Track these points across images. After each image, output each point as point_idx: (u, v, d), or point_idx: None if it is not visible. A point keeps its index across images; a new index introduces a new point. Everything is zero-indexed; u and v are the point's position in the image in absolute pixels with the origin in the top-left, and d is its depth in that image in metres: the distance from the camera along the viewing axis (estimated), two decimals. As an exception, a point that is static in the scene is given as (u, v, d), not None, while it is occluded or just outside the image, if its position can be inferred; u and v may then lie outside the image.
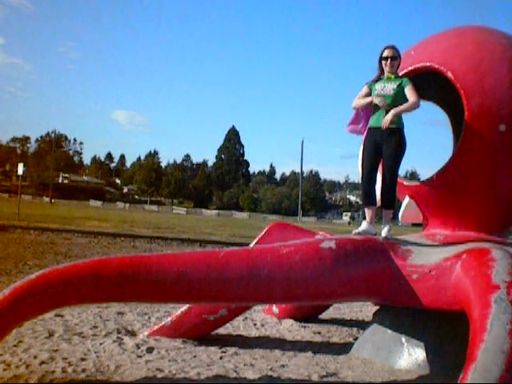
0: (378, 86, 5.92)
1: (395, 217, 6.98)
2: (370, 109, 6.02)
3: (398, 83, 5.81)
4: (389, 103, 5.77)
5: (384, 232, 5.78)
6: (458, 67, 5.84)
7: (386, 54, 5.92)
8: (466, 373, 3.40)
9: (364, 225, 5.92)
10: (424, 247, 5.70)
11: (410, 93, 5.73)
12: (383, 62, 5.94)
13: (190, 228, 33.24)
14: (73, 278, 4.80)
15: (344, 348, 6.54)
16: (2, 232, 21.06)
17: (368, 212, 6.00)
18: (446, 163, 5.92)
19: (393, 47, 5.94)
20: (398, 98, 5.76)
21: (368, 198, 5.97)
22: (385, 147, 5.79)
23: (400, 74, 6.01)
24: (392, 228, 5.88)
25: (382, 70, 5.98)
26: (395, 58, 5.90)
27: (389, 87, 5.84)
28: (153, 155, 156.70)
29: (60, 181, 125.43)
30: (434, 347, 5.60)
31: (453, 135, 7.64)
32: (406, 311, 5.80)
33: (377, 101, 5.85)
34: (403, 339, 5.80)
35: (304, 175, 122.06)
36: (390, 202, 5.93)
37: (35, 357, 5.27)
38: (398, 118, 5.75)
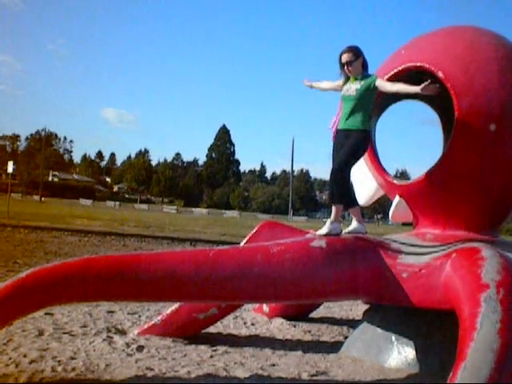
0: (344, 88, 5.88)
1: (385, 216, 7.01)
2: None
3: (362, 83, 5.74)
4: (352, 105, 5.72)
5: (348, 228, 5.79)
6: (448, 67, 5.85)
7: (343, 60, 5.84)
8: (455, 371, 3.41)
9: (327, 224, 5.78)
10: (414, 246, 5.71)
11: (386, 84, 5.72)
12: (344, 68, 5.88)
13: (180, 227, 33.19)
14: (63, 276, 4.79)
15: (334, 347, 6.55)
16: (-8, 230, 20.98)
17: (334, 209, 5.86)
18: (436, 162, 5.93)
19: (349, 50, 5.84)
20: (361, 97, 5.71)
21: (333, 195, 5.91)
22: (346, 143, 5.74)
23: (391, 74, 6.01)
24: (361, 225, 5.85)
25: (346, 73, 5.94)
26: (352, 62, 5.78)
27: (352, 88, 5.78)
28: (143, 154, 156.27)
29: (50, 179, 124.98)
30: (424, 346, 5.62)
31: (443, 135, 7.66)
32: (395, 310, 5.82)
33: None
34: (393, 338, 5.82)
35: (294, 174, 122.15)
36: (347, 200, 5.85)
37: (25, 355, 5.25)
38: (363, 121, 5.69)
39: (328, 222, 5.75)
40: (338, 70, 5.97)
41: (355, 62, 5.79)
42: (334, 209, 5.85)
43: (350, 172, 5.77)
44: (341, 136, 5.83)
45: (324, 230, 5.67)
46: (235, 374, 5.23)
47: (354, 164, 5.79)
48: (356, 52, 5.82)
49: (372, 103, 5.82)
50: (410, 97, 7.51)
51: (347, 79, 5.91)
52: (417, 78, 6.62)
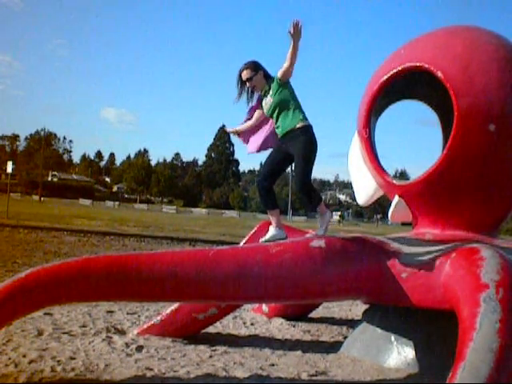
0: (263, 103, 5.80)
1: (385, 216, 7.01)
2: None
3: (272, 89, 5.67)
4: (277, 112, 5.63)
5: (265, 237, 5.65)
6: (447, 67, 5.85)
7: (243, 77, 5.75)
8: (454, 372, 3.41)
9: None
10: (413, 246, 5.71)
11: (283, 66, 5.54)
12: (245, 85, 5.80)
13: (179, 226, 33.20)
14: (62, 276, 4.79)
15: (333, 347, 6.56)
16: (-9, 230, 20.97)
17: (270, 216, 5.75)
18: (436, 163, 5.93)
19: (246, 67, 5.74)
20: (279, 103, 5.61)
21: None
22: (291, 148, 5.59)
23: (391, 74, 6.00)
24: (280, 230, 5.66)
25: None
26: (252, 77, 5.71)
27: (268, 99, 5.70)
28: (142, 154, 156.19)
29: (49, 179, 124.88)
30: (423, 346, 5.62)
31: (442, 135, 7.66)
32: (395, 310, 5.82)
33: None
34: (392, 338, 5.82)
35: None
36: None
37: (24, 355, 5.25)
38: (295, 117, 5.56)
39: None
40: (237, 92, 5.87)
41: (256, 76, 5.71)
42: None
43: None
44: (284, 139, 5.66)
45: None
46: (235, 374, 5.23)
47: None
48: (254, 67, 5.73)
49: (293, 95, 5.66)
50: (408, 97, 7.52)
51: (263, 98, 5.80)
52: (417, 78, 6.64)
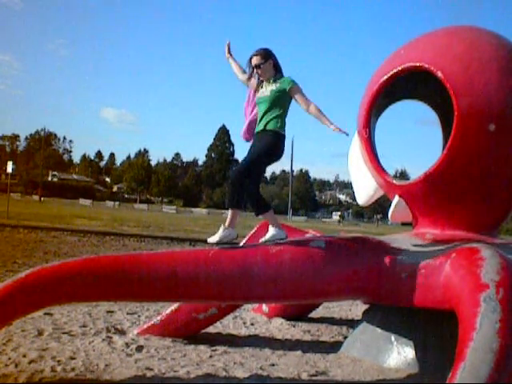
0: (260, 91, 5.70)
1: (385, 216, 7.00)
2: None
3: (277, 85, 5.55)
4: (266, 107, 5.52)
5: (266, 237, 5.50)
6: (447, 67, 5.85)
7: (252, 63, 5.65)
8: (454, 372, 3.41)
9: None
10: (413, 246, 5.72)
11: (301, 98, 5.43)
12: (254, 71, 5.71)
13: (179, 227, 33.21)
14: (62, 276, 4.80)
15: (333, 347, 6.56)
16: (-9, 230, 20.97)
17: (229, 214, 5.49)
18: (436, 162, 5.93)
19: (257, 53, 5.64)
20: (275, 99, 5.50)
21: (229, 199, 5.47)
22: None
23: (391, 74, 5.99)
24: (280, 230, 5.49)
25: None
26: (260, 64, 5.59)
27: (267, 90, 5.59)
28: (142, 154, 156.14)
29: (49, 179, 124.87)
30: (424, 346, 5.62)
31: (442, 135, 7.66)
32: (395, 310, 5.82)
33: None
34: (392, 338, 5.82)
35: (294, 174, 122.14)
36: (256, 207, 5.48)
37: (24, 355, 5.25)
38: (275, 122, 5.44)
39: (221, 227, 5.35)
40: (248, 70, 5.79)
41: (264, 64, 5.60)
42: (230, 213, 5.45)
43: (256, 175, 5.45)
44: (256, 138, 5.60)
45: (215, 238, 5.31)
46: (235, 374, 5.23)
47: (261, 166, 5.49)
48: (265, 55, 5.63)
49: (287, 105, 5.58)
50: (408, 97, 7.53)
51: (261, 82, 5.72)
52: (417, 78, 6.64)
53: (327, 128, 5.18)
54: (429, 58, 6.03)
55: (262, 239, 5.52)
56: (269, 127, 5.45)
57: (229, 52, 6.09)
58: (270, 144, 5.41)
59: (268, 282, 5.03)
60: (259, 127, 5.55)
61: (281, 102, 5.51)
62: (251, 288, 5.07)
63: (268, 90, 5.57)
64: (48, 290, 4.76)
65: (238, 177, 5.30)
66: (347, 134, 5.19)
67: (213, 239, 5.29)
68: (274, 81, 5.60)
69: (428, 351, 5.58)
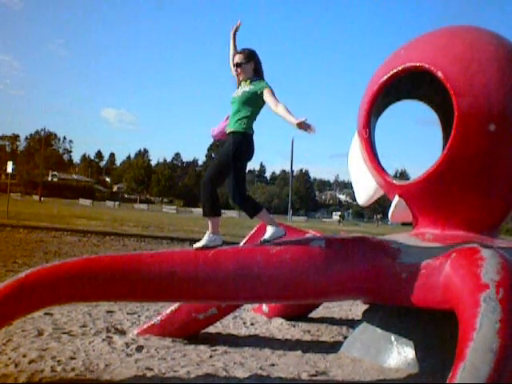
0: (236, 90, 5.62)
1: (385, 216, 7.00)
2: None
3: (250, 87, 5.46)
4: (236, 107, 5.45)
5: (264, 237, 5.40)
6: (448, 67, 5.85)
7: (235, 61, 5.62)
8: (455, 372, 3.42)
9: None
10: (413, 246, 5.71)
11: (271, 100, 5.30)
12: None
13: (179, 227, 33.21)
14: (62, 276, 4.80)
15: (333, 347, 6.56)
16: (-9, 230, 20.97)
17: (208, 222, 5.40)
18: (436, 163, 5.93)
19: (241, 52, 5.61)
20: (247, 100, 5.40)
21: (204, 208, 5.40)
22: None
23: (391, 74, 5.98)
24: (277, 228, 5.40)
25: None
26: (242, 64, 5.54)
27: (240, 90, 5.52)
28: (142, 154, 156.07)
29: (49, 179, 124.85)
30: (424, 346, 5.62)
31: (442, 135, 7.66)
32: (395, 310, 5.82)
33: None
34: (392, 338, 5.82)
35: (294, 174, 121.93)
36: (247, 210, 5.45)
37: (24, 355, 5.25)
38: (244, 123, 5.36)
39: (207, 233, 5.28)
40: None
41: (246, 64, 5.55)
42: (209, 221, 5.37)
43: (239, 179, 5.32)
44: (227, 139, 5.51)
45: (201, 243, 5.24)
46: (235, 374, 5.23)
47: (235, 171, 5.32)
48: (248, 55, 5.58)
49: (258, 108, 5.48)
50: (408, 97, 7.53)
51: (240, 83, 5.64)
52: (417, 78, 6.64)
53: (292, 125, 5.05)
54: (429, 58, 6.03)
55: (262, 239, 5.49)
56: (236, 128, 5.38)
57: (235, 32, 5.93)
58: (237, 147, 5.32)
59: (268, 281, 5.03)
60: (229, 128, 5.48)
61: (251, 103, 5.42)
62: (251, 288, 5.07)
63: (241, 91, 5.52)
64: (48, 290, 4.76)
65: (206, 185, 5.28)
66: (314, 132, 5.05)
67: (198, 244, 5.21)
68: (250, 83, 5.53)
69: (428, 351, 5.58)
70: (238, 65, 5.59)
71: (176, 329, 6.43)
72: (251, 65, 5.59)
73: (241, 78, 5.62)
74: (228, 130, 5.48)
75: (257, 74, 5.62)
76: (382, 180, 6.64)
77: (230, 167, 5.28)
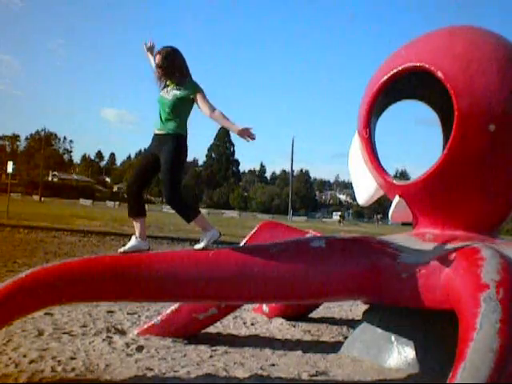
0: (164, 90, 5.41)
1: (385, 216, 7.00)
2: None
3: (181, 91, 5.28)
4: (168, 110, 5.27)
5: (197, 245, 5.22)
6: (448, 67, 5.85)
7: (156, 60, 5.38)
8: (455, 371, 3.42)
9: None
10: (413, 246, 5.71)
11: (206, 105, 5.23)
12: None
13: (179, 227, 33.17)
14: (62, 276, 4.80)
15: (334, 347, 6.56)
16: (-9, 230, 20.97)
17: (134, 225, 5.33)
18: (436, 163, 5.93)
19: (160, 53, 5.33)
20: (179, 104, 5.26)
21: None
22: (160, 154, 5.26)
23: (391, 74, 5.99)
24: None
25: None
26: (161, 65, 5.29)
27: (170, 93, 5.31)
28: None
29: (50, 179, 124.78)
30: (424, 346, 5.62)
31: (442, 135, 7.66)
32: (395, 310, 5.82)
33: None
34: (393, 338, 5.82)
35: (294, 174, 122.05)
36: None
37: (24, 356, 5.26)
38: (178, 126, 5.26)
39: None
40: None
41: (167, 67, 5.30)
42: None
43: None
44: (156, 139, 5.36)
45: (201, 244, 5.14)
46: (235, 374, 5.23)
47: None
48: (167, 55, 5.30)
49: (189, 109, 5.36)
50: (408, 97, 7.53)
51: (166, 81, 5.44)
52: (417, 78, 6.64)
53: (233, 131, 5.03)
54: (429, 58, 6.03)
55: (120, 249, 5.17)
56: (170, 131, 5.25)
57: (149, 50, 5.82)
58: (176, 151, 5.22)
59: (268, 282, 5.03)
60: (159, 129, 5.33)
61: (182, 107, 5.30)
62: (251, 288, 5.07)
63: (171, 94, 5.30)
64: (48, 290, 4.76)
65: (173, 197, 5.24)
66: (254, 139, 5.00)
67: (199, 246, 5.16)
68: (178, 85, 5.32)
69: (428, 351, 5.58)
70: (158, 66, 5.34)
71: (176, 329, 6.43)
72: (173, 65, 5.31)
73: (162, 79, 5.41)
74: (161, 132, 5.32)
75: (181, 73, 5.36)
76: (382, 180, 6.64)
77: (167, 170, 5.20)
